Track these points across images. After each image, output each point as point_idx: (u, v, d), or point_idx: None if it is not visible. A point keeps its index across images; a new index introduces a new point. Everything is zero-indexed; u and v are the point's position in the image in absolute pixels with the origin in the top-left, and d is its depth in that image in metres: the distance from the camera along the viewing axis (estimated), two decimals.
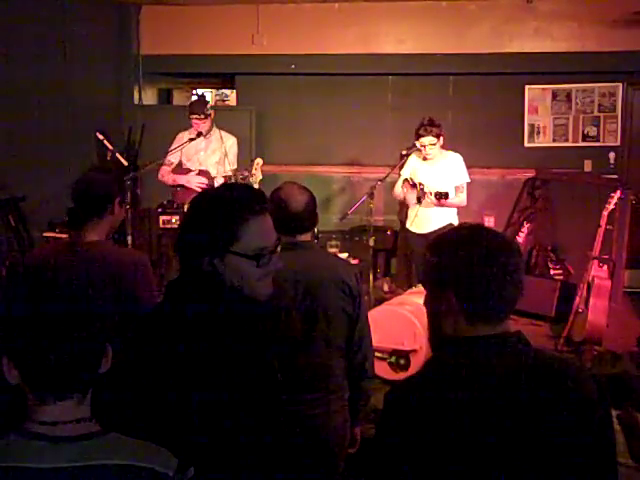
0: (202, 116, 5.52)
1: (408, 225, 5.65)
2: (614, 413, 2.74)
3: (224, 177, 5.55)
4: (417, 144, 5.42)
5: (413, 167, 5.56)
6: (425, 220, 5.48)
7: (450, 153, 5.50)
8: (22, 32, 6.25)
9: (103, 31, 7.55)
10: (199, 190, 5.58)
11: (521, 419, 1.43)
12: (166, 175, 5.69)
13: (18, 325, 1.38)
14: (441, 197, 5.25)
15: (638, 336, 5.11)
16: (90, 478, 1.35)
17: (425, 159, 5.45)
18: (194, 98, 9.08)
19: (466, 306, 1.50)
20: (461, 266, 1.50)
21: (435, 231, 5.44)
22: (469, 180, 5.49)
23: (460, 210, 5.56)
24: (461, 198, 5.41)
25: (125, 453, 1.39)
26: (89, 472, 1.35)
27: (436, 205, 5.36)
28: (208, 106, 5.64)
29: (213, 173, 5.63)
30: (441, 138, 5.37)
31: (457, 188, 5.40)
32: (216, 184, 5.55)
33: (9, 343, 1.38)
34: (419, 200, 5.43)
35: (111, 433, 1.42)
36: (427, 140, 5.32)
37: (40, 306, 1.40)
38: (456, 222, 5.50)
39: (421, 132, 5.32)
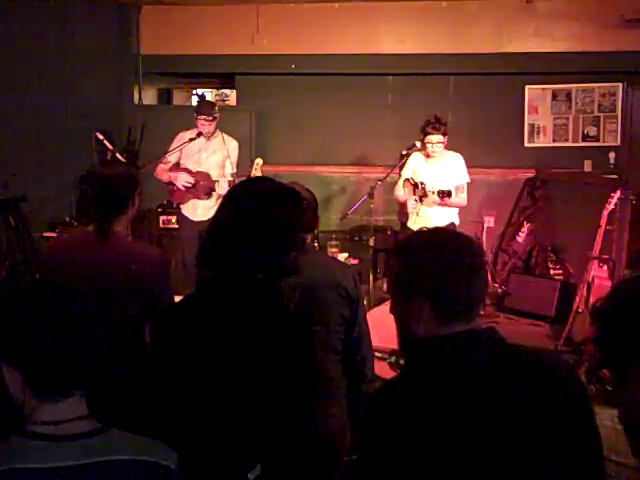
0: (210, 118, 5.51)
1: (410, 224, 5.63)
2: (615, 412, 2.71)
3: (229, 181, 5.53)
4: (417, 143, 5.42)
5: (414, 167, 5.56)
6: (426, 220, 5.46)
7: (450, 153, 5.51)
8: (22, 32, 6.25)
9: (103, 31, 7.54)
10: (183, 189, 5.58)
11: (497, 414, 1.44)
12: (161, 173, 5.66)
13: (18, 326, 1.37)
14: (444, 195, 5.23)
15: None
16: (96, 475, 1.35)
17: (429, 156, 5.44)
18: (194, 98, 9.10)
19: (436, 306, 1.52)
20: (428, 268, 1.53)
21: None
22: (469, 180, 5.49)
23: (460, 210, 5.56)
24: (462, 198, 5.41)
25: (128, 448, 1.39)
26: (94, 469, 1.35)
27: (439, 204, 5.35)
28: (216, 108, 5.64)
29: (214, 175, 5.61)
30: (446, 137, 5.37)
31: (458, 188, 5.40)
32: (218, 187, 5.52)
33: (11, 345, 1.37)
34: (420, 199, 5.42)
35: (112, 429, 1.42)
36: (435, 138, 5.31)
37: (40, 307, 1.39)
38: (457, 222, 5.51)
39: (429, 130, 5.31)
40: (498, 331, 1.55)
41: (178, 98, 9.19)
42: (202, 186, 5.60)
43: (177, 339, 1.80)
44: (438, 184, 5.34)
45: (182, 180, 5.57)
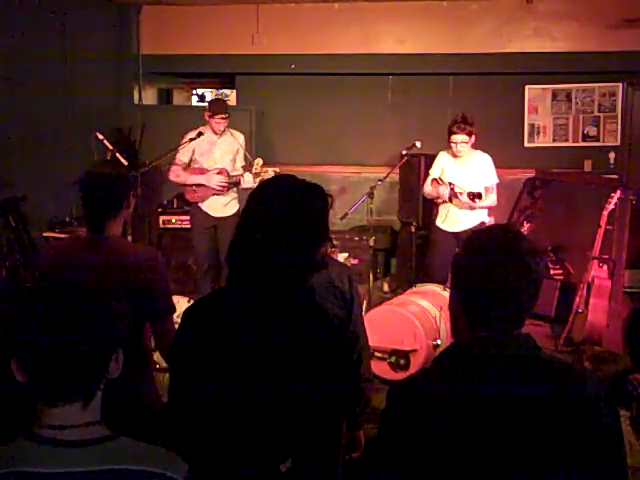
0: (225, 116, 5.60)
1: (439, 223, 5.61)
2: (626, 414, 2.69)
3: (255, 173, 5.56)
4: (417, 143, 5.42)
5: (443, 166, 5.53)
6: (456, 219, 5.46)
7: (479, 153, 5.48)
8: (22, 32, 6.25)
9: (103, 31, 7.55)
10: (218, 189, 5.58)
11: (518, 419, 1.44)
12: (181, 174, 5.66)
13: (24, 325, 1.37)
14: (474, 197, 5.22)
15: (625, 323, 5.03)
16: None
17: (455, 156, 5.42)
18: (195, 98, 9.10)
19: (465, 308, 1.54)
20: (463, 270, 1.55)
21: (466, 230, 5.42)
22: (498, 181, 5.48)
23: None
24: (492, 199, 5.41)
25: (136, 458, 1.37)
26: (100, 477, 1.33)
27: (469, 207, 5.35)
28: (227, 105, 5.73)
29: (229, 171, 5.66)
30: (473, 137, 5.34)
31: (487, 189, 5.38)
32: (243, 181, 5.53)
33: (13, 341, 1.37)
34: (450, 200, 5.42)
35: (122, 437, 1.40)
36: (459, 138, 5.28)
37: (48, 307, 1.38)
38: (487, 221, 5.50)
39: (454, 129, 5.28)
40: (533, 340, 1.52)
41: (178, 98, 9.19)
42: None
43: (207, 334, 1.79)
44: (467, 185, 5.32)
45: (216, 181, 5.55)
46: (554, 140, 7.56)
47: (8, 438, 1.38)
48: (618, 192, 5.35)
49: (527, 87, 7.52)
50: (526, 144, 7.59)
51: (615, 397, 1.55)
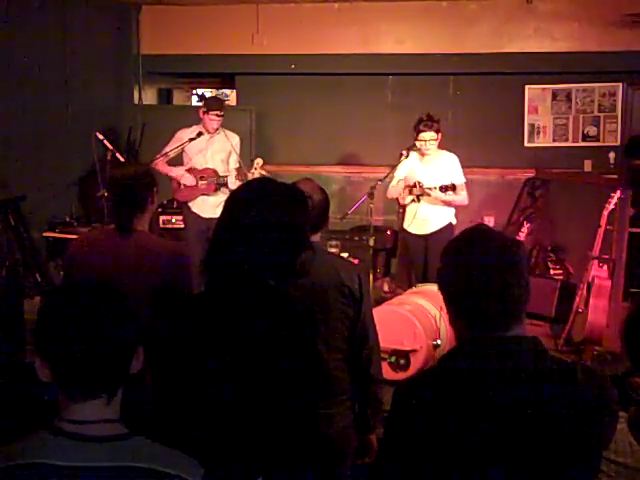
0: (221, 113, 5.59)
1: (406, 226, 5.61)
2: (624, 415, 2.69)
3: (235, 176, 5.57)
4: (416, 144, 5.41)
5: (409, 167, 5.52)
6: (424, 221, 5.45)
7: (445, 153, 5.46)
8: (22, 32, 6.25)
9: (103, 31, 7.55)
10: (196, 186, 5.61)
11: (519, 421, 1.44)
12: (160, 164, 5.64)
13: (50, 320, 1.39)
14: (447, 189, 5.18)
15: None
16: (116, 479, 1.35)
17: (423, 155, 5.41)
18: (195, 98, 9.10)
19: (455, 312, 1.54)
20: (449, 275, 1.54)
21: (435, 232, 5.43)
22: (465, 180, 5.47)
23: (460, 210, 5.54)
24: (463, 196, 5.38)
25: (151, 457, 1.38)
26: (115, 473, 1.35)
27: (443, 201, 5.30)
28: (224, 103, 5.72)
29: (220, 171, 5.64)
30: (440, 134, 5.35)
31: (457, 187, 5.37)
32: (229, 182, 5.53)
33: (40, 339, 1.39)
34: (418, 198, 5.40)
35: (138, 437, 1.42)
36: (428, 135, 5.28)
37: (73, 306, 1.40)
38: (455, 222, 5.49)
39: (422, 127, 5.28)
40: (539, 342, 1.52)
41: (178, 98, 9.19)
42: (210, 182, 5.61)
43: (183, 339, 1.80)
44: (434, 184, 5.31)
45: (187, 181, 5.59)
46: (554, 140, 7.56)
47: (31, 430, 1.40)
48: (618, 192, 5.34)
49: (527, 87, 7.52)
50: (526, 144, 7.59)
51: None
